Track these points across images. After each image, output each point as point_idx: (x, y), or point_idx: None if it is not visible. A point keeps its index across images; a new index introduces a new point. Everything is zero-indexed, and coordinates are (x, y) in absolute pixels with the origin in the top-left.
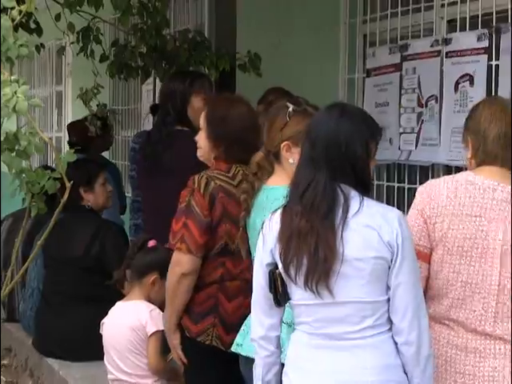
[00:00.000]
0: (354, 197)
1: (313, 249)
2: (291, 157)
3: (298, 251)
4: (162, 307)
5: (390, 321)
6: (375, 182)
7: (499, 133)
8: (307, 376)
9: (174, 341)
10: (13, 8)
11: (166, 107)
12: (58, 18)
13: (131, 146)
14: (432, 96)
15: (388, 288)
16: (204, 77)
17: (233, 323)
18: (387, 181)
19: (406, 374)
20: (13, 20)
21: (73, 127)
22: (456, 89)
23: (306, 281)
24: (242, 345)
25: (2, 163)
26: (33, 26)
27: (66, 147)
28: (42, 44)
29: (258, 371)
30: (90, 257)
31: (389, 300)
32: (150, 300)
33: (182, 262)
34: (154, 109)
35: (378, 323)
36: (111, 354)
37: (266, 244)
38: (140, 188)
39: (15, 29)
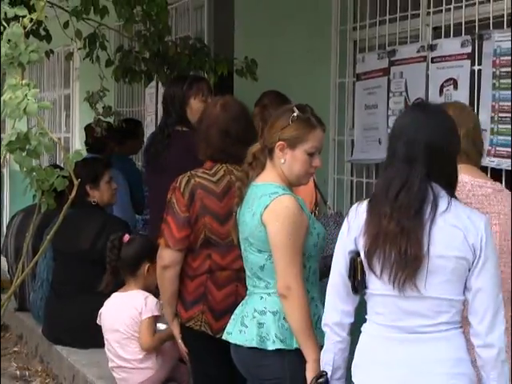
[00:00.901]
0: (443, 196)
1: (403, 249)
2: (283, 157)
3: (385, 249)
4: (157, 290)
5: (462, 320)
6: (364, 180)
7: (467, 130)
8: (380, 368)
9: (175, 330)
10: (24, 16)
11: (168, 109)
12: (66, 25)
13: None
14: (418, 99)
15: (467, 289)
16: (202, 80)
17: (222, 310)
18: (376, 179)
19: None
20: (24, 27)
21: (90, 129)
22: (441, 92)
23: (393, 277)
24: (231, 333)
25: (13, 162)
26: (43, 33)
27: (73, 147)
28: (51, 50)
29: (328, 356)
30: (96, 250)
31: (465, 301)
32: (145, 287)
33: (161, 256)
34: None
35: (451, 320)
36: (111, 342)
37: (350, 232)
38: (146, 186)
39: (26, 36)
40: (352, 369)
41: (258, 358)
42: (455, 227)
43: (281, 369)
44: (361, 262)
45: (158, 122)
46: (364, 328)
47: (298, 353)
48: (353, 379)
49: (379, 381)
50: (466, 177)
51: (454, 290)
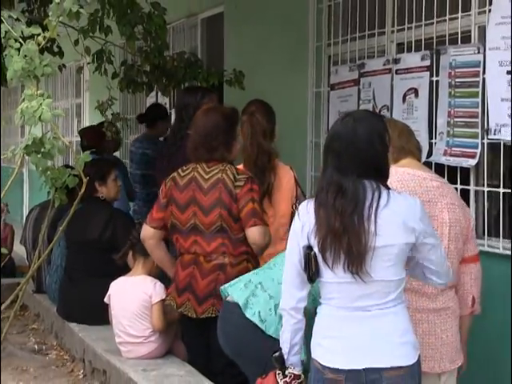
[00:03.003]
0: (383, 191)
1: (348, 246)
2: None
3: (334, 247)
4: (158, 278)
5: (403, 294)
6: None
7: (400, 130)
8: (341, 342)
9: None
10: (39, 34)
11: (181, 116)
12: (76, 42)
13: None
14: (384, 106)
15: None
16: (212, 91)
17: (204, 296)
18: None
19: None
20: (39, 44)
21: (84, 133)
22: (404, 100)
23: (345, 268)
24: None
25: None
26: (56, 49)
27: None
28: (63, 64)
29: (286, 336)
30: (103, 239)
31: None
32: (150, 272)
33: (142, 231)
34: (140, 118)
35: (397, 297)
36: (121, 320)
37: (303, 229)
38: (158, 181)
39: (41, 52)
40: (311, 347)
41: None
42: (396, 216)
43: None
44: (314, 255)
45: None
46: (319, 310)
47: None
48: (312, 356)
49: (337, 354)
50: (419, 172)
51: (399, 271)
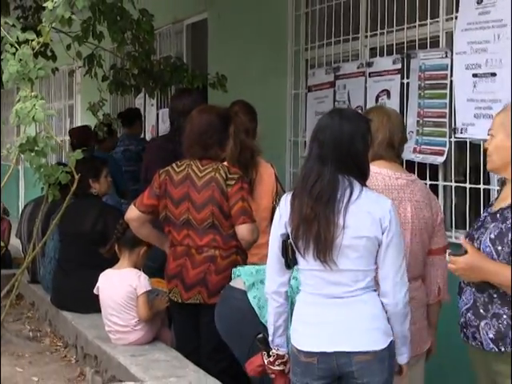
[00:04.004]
0: (356, 186)
1: (317, 233)
2: None
3: (305, 234)
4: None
5: (375, 283)
6: None
7: (384, 138)
8: (314, 327)
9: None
10: (33, 40)
11: (173, 119)
12: (68, 47)
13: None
14: (358, 106)
15: (378, 259)
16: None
17: (192, 284)
18: None
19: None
20: (33, 49)
21: (73, 132)
22: (376, 101)
23: (315, 256)
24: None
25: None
26: (49, 53)
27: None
28: (56, 68)
29: (270, 318)
30: (95, 232)
31: (376, 269)
32: (135, 264)
33: (128, 211)
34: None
35: (367, 286)
36: (109, 311)
37: (281, 218)
38: None
39: (35, 56)
40: (290, 333)
41: None
42: (366, 211)
43: None
44: (291, 243)
45: (147, 125)
46: (298, 297)
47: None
48: (291, 342)
49: (309, 338)
50: (385, 170)
51: (367, 262)
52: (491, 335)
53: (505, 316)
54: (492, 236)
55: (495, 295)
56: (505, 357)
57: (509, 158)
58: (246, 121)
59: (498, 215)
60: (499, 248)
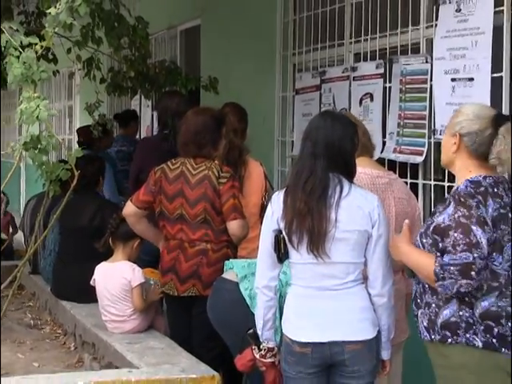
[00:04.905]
0: (345, 183)
1: (311, 226)
2: None
3: (299, 228)
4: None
5: (363, 276)
6: None
7: (365, 128)
8: (307, 318)
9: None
10: (36, 44)
11: (163, 120)
12: (69, 51)
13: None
14: (343, 108)
15: (367, 253)
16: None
17: (186, 276)
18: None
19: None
20: (36, 52)
21: (80, 131)
22: (360, 103)
23: (309, 249)
24: None
25: (28, 157)
26: (51, 57)
27: (74, 146)
28: (57, 70)
29: (260, 312)
30: (92, 227)
31: (365, 262)
32: (129, 257)
33: (125, 207)
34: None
35: (356, 278)
36: (105, 302)
37: (274, 214)
38: None
39: (38, 59)
40: (282, 324)
41: None
42: (356, 206)
43: None
44: (283, 238)
45: (143, 126)
46: (290, 290)
47: None
48: (283, 331)
49: (304, 329)
50: (369, 170)
51: (358, 255)
52: (425, 323)
53: (433, 305)
54: (422, 230)
55: (426, 285)
56: (434, 345)
57: (451, 155)
58: (235, 121)
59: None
60: (424, 240)
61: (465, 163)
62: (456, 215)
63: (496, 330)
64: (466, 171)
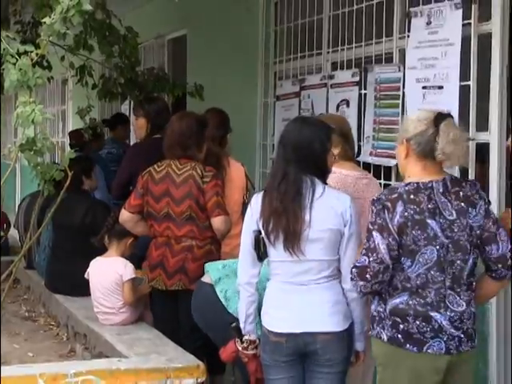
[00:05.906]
0: (318, 184)
1: (286, 225)
2: None
3: (275, 226)
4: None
5: (338, 271)
6: None
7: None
8: (283, 311)
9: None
10: (31, 51)
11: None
12: (62, 58)
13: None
14: (321, 114)
15: (340, 250)
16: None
17: (173, 271)
18: None
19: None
20: (31, 60)
21: (72, 134)
22: (337, 109)
23: (285, 247)
24: None
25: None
26: (45, 64)
27: (67, 148)
28: (51, 77)
29: (242, 307)
30: (84, 224)
31: (339, 259)
32: (122, 254)
33: (120, 214)
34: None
35: (330, 274)
36: (98, 294)
37: (253, 215)
38: None
39: (33, 66)
40: (261, 316)
41: None
42: (329, 206)
43: None
44: (262, 237)
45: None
46: (268, 285)
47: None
48: (262, 323)
49: (279, 321)
50: (351, 171)
51: (331, 252)
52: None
53: (370, 300)
54: None
55: None
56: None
57: (403, 162)
58: (214, 129)
59: None
60: None
61: (413, 169)
62: (368, 220)
63: (402, 326)
64: (407, 178)
